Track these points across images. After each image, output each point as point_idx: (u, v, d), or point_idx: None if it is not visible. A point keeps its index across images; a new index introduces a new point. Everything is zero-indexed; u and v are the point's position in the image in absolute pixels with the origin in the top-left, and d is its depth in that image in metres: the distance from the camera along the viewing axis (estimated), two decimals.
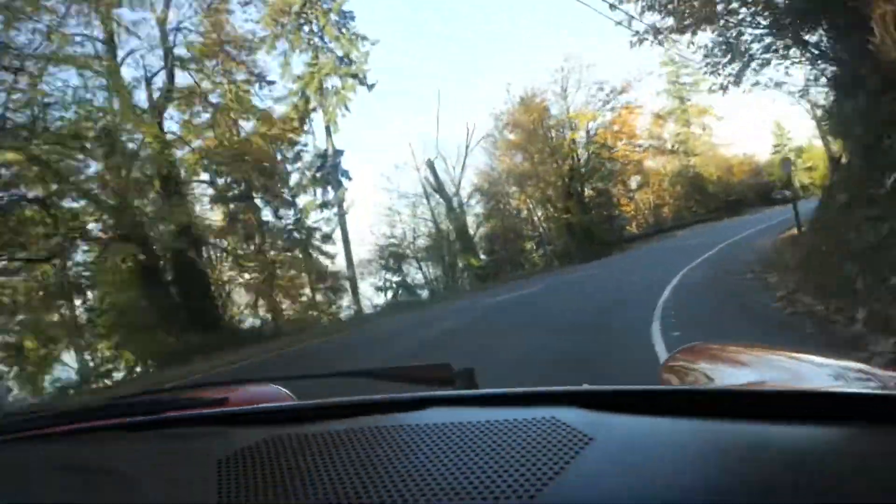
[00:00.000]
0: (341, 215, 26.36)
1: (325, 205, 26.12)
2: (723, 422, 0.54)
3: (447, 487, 0.49)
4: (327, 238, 25.95)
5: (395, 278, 30.90)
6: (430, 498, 0.48)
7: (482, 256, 31.26)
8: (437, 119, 36.78)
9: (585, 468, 0.49)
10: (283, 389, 1.19)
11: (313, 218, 26.04)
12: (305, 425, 0.71)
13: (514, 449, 0.53)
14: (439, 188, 26.69)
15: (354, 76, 26.10)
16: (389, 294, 30.36)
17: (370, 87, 27.06)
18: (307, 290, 25.45)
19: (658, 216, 37.54)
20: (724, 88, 10.76)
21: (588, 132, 25.82)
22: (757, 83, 10.79)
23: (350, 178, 28.33)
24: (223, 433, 0.75)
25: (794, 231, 13.23)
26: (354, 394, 0.77)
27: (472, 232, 30.06)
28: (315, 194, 26.60)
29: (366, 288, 30.64)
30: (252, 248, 22.48)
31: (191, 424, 0.82)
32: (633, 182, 34.26)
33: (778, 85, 10.87)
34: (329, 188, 26.93)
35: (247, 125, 25.57)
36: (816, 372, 0.91)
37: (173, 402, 0.91)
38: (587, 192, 29.54)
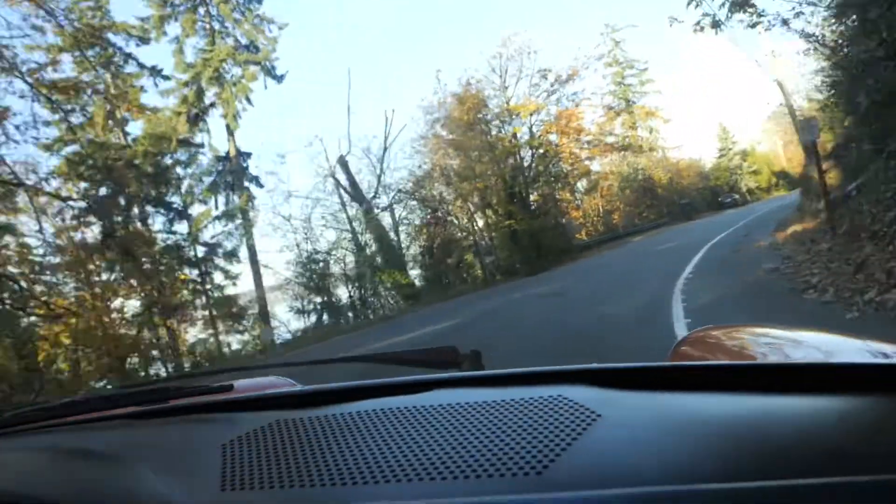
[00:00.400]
0: (247, 228, 22.28)
1: (228, 216, 22.00)
2: (729, 395, 0.54)
3: (453, 466, 0.48)
4: (231, 255, 21.85)
5: (319, 299, 27.02)
6: (436, 476, 0.48)
7: (418, 271, 27.73)
8: (348, 105, 29.90)
9: (593, 444, 0.49)
10: (288, 378, 1.18)
11: (213, 231, 21.92)
12: (309, 409, 0.69)
13: (522, 427, 0.52)
14: (355, 191, 22.71)
15: (258, 64, 22.20)
16: (313, 318, 26.49)
17: (280, 78, 23.26)
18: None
19: (608, 222, 35.01)
20: (716, 25, 7.61)
21: (531, 127, 22.69)
22: (759, 21, 7.68)
23: (262, 185, 24.30)
24: (228, 419, 0.75)
25: (798, 227, 10.30)
26: (360, 380, 0.75)
27: (405, 243, 26.44)
28: (216, 204, 22.49)
29: (284, 312, 26.70)
30: (123, 272, 18.19)
31: (196, 412, 0.82)
32: (581, 186, 31.53)
33: (786, 22, 7.79)
34: (235, 196, 22.86)
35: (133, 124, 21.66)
36: (826, 347, 0.88)
37: (179, 390, 0.89)
38: (533, 196, 26.51)
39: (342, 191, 22.49)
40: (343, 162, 22.62)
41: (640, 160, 38.03)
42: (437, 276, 26.28)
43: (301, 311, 26.73)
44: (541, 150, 22.86)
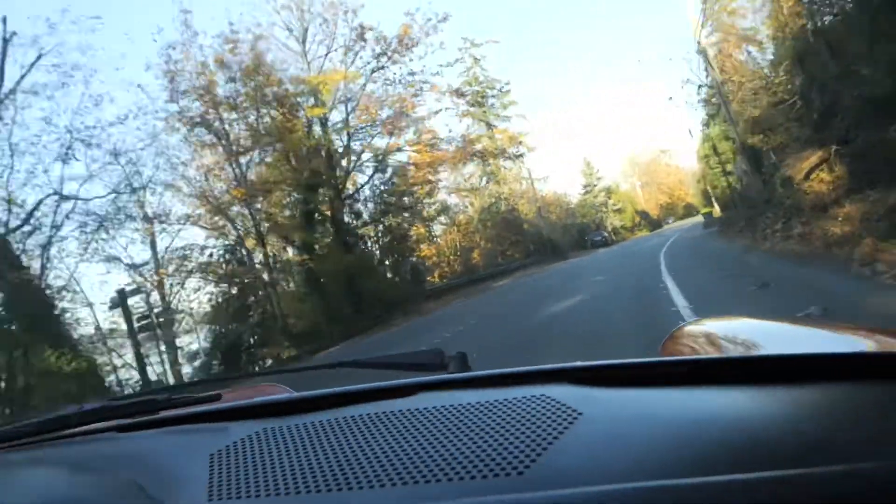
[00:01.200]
0: None
1: None
2: (711, 389, 0.55)
3: (436, 468, 0.49)
4: None
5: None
6: (420, 480, 0.49)
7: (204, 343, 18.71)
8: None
9: (574, 442, 0.50)
10: (278, 385, 1.20)
11: None
12: (295, 417, 0.70)
13: (504, 427, 0.53)
14: None
15: None
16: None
17: None
18: None
19: (467, 261, 28.53)
20: None
21: (347, 110, 15.23)
22: None
23: None
24: (216, 429, 0.76)
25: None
26: (349, 385, 0.76)
27: (186, 296, 17.48)
28: None
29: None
30: None
31: (185, 422, 0.82)
32: (433, 211, 24.61)
33: None
34: None
35: None
36: (814, 338, 0.88)
37: (168, 401, 0.89)
38: (369, 230, 19.01)
39: None
40: None
41: (503, 189, 32.44)
42: (227, 344, 17.55)
43: None
44: (359, 148, 15.27)
